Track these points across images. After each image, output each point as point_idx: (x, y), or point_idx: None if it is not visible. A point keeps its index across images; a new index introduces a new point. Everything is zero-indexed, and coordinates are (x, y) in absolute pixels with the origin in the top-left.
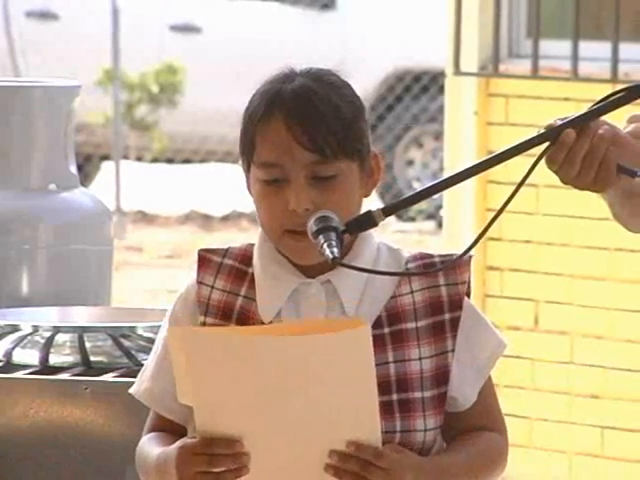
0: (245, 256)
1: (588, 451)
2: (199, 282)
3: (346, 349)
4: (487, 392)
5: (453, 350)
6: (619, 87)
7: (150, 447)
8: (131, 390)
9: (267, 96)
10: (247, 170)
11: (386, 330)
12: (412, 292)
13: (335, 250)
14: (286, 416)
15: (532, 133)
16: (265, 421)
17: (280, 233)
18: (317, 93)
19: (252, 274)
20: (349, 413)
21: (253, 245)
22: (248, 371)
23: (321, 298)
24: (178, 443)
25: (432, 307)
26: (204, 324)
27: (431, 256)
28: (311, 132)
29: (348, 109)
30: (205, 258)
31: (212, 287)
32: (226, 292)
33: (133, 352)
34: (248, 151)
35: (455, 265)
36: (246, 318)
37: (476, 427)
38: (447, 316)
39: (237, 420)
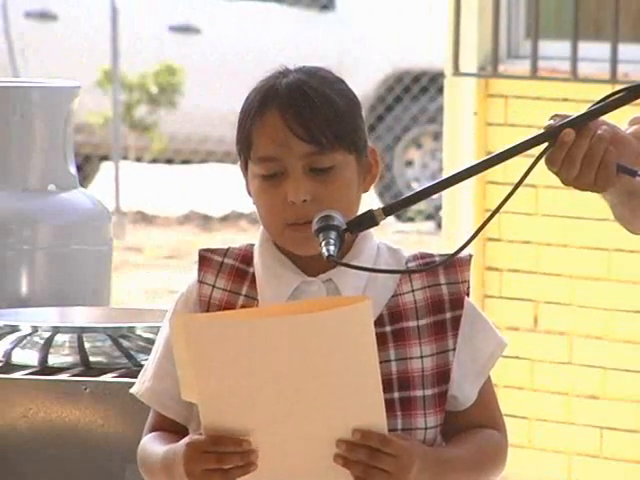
0: (245, 256)
1: (587, 451)
2: (200, 281)
3: (348, 325)
4: (486, 391)
5: (454, 349)
6: (618, 87)
7: (154, 446)
8: (132, 390)
9: (261, 92)
10: (245, 169)
11: (388, 328)
12: (413, 291)
13: (331, 248)
14: (291, 401)
15: (532, 133)
16: (271, 409)
17: (281, 228)
18: (311, 86)
19: (253, 274)
20: (353, 395)
21: (253, 245)
22: (252, 354)
23: (323, 296)
24: (185, 440)
25: (433, 306)
26: None
27: (431, 255)
28: (306, 123)
29: (342, 101)
30: (206, 258)
31: (213, 286)
32: (227, 291)
33: (132, 352)
34: (245, 148)
35: (456, 264)
36: None
37: (475, 426)
38: (448, 315)
39: (242, 410)
